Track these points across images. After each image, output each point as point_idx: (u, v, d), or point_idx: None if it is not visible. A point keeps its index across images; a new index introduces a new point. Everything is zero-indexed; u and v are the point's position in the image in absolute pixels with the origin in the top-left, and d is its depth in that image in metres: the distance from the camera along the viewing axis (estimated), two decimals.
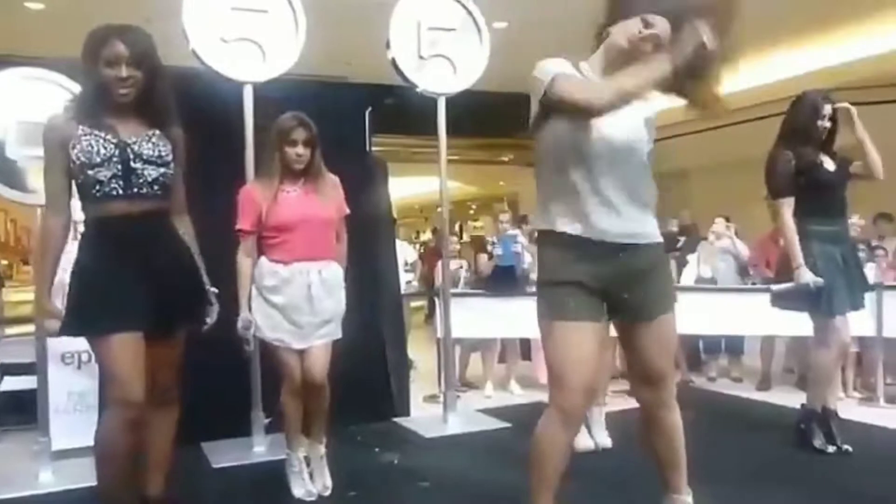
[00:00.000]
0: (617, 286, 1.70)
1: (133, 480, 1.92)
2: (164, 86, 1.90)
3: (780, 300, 2.98)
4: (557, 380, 1.70)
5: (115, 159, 1.82)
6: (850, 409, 3.72)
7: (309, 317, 2.40)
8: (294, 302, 2.39)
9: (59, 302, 1.94)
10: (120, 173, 1.82)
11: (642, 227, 1.71)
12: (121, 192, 1.83)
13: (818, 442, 2.89)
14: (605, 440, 3.02)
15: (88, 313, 1.81)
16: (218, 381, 2.82)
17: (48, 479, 2.73)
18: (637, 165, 1.69)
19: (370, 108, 3.74)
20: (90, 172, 1.80)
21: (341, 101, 3.60)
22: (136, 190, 1.84)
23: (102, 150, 1.81)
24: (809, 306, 2.87)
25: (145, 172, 1.85)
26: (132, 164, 1.84)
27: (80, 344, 3.06)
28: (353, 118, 3.67)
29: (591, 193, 1.65)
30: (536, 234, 1.82)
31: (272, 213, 2.39)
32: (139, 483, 2.00)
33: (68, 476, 2.71)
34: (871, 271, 4.41)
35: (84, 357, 3.13)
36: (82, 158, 1.80)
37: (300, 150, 2.41)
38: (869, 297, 3.99)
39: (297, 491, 2.49)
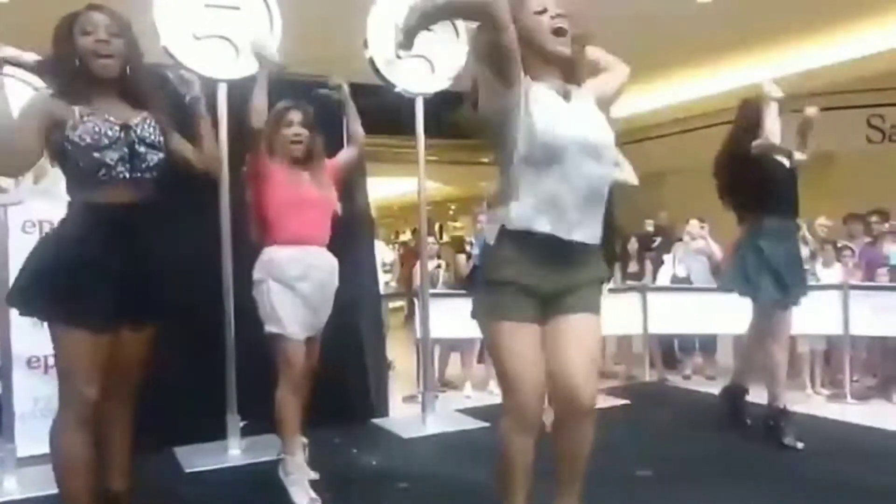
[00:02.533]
0: (563, 287, 1.66)
1: (96, 479, 1.86)
2: (143, 66, 1.87)
3: (722, 282, 3.19)
4: (513, 383, 1.64)
5: (121, 142, 1.79)
6: (818, 405, 3.81)
7: (321, 303, 2.41)
8: (315, 289, 2.37)
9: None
10: (126, 157, 1.79)
11: (597, 230, 1.69)
12: (127, 175, 1.80)
13: (788, 439, 2.94)
14: None
15: (61, 295, 1.73)
16: (191, 384, 2.77)
17: (12, 487, 2.65)
18: (606, 167, 1.67)
19: None
20: (97, 155, 1.76)
21: (319, 101, 3.56)
22: (139, 174, 1.82)
23: (109, 132, 1.77)
24: (741, 289, 3.05)
25: (148, 156, 1.83)
26: (137, 147, 1.81)
27: (47, 349, 3.00)
28: (330, 118, 3.64)
29: (565, 192, 1.61)
30: (495, 231, 1.67)
31: (284, 188, 2.36)
32: (103, 479, 1.94)
33: (33, 483, 2.63)
34: (837, 271, 4.54)
35: (51, 361, 3.04)
36: (88, 140, 1.75)
37: (297, 129, 2.40)
38: (836, 296, 4.12)
39: (302, 499, 2.31)
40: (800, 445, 2.92)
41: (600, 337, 1.78)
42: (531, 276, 1.63)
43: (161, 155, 1.86)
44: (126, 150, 1.79)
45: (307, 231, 2.39)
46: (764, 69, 6.91)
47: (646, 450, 2.88)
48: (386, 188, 10.30)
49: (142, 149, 1.82)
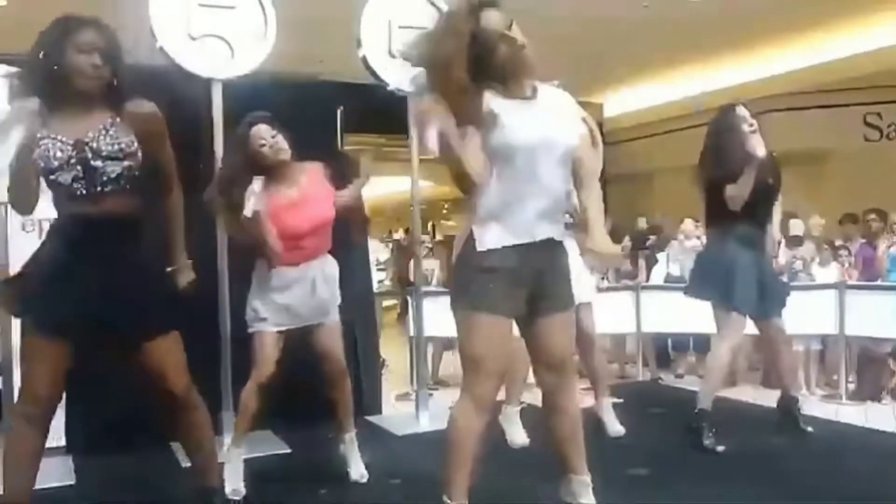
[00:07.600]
0: (539, 279, 1.82)
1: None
2: (126, 82, 1.86)
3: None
4: (478, 370, 1.82)
5: (73, 160, 1.77)
6: (813, 405, 3.82)
7: (308, 308, 2.48)
8: (298, 300, 2.46)
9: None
10: (81, 175, 1.77)
11: (560, 226, 1.85)
12: (84, 192, 1.78)
13: (708, 441, 2.82)
14: (523, 437, 2.95)
15: (36, 305, 1.80)
16: None
17: None
18: (558, 164, 1.79)
19: (342, 107, 3.72)
20: (51, 177, 1.77)
21: (313, 100, 3.58)
22: (99, 189, 1.79)
23: (59, 154, 1.76)
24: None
25: (107, 169, 1.78)
26: (92, 162, 1.77)
27: None
28: (324, 117, 3.65)
29: (530, 196, 1.75)
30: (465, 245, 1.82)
31: (283, 220, 2.37)
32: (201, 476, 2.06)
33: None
34: (834, 271, 4.54)
35: None
36: (42, 164, 1.76)
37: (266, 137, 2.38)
38: (832, 295, 4.13)
39: (231, 484, 2.38)
40: (809, 429, 3.01)
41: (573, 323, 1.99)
42: (507, 267, 1.77)
43: (126, 163, 1.80)
44: (80, 167, 1.76)
45: (306, 251, 2.51)
46: (756, 69, 6.95)
47: (639, 449, 2.88)
48: (379, 187, 10.28)
49: (98, 163, 1.77)
